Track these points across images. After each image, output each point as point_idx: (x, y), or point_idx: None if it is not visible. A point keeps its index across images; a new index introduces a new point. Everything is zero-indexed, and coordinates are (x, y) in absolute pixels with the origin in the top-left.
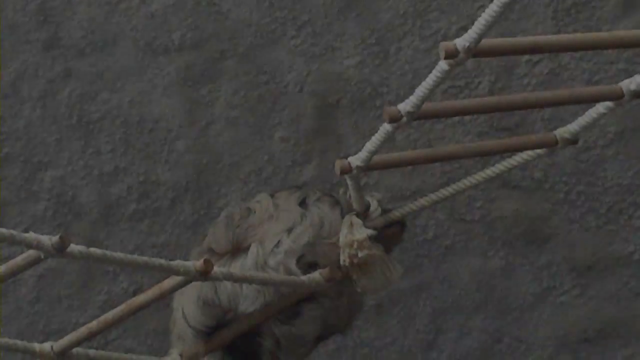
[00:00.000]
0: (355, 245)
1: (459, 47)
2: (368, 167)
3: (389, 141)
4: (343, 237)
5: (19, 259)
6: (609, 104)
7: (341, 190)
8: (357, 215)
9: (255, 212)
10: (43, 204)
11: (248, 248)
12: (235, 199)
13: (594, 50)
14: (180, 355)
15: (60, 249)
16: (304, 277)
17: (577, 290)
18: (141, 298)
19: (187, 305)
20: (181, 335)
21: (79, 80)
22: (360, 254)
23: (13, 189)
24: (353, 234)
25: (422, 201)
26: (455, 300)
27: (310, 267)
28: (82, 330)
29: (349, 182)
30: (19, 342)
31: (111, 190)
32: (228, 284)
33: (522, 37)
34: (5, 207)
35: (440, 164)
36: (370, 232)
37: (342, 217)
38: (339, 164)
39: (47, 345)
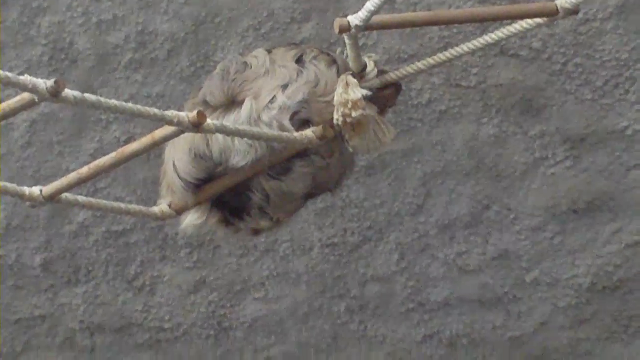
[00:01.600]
0: (349, 105)
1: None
2: (367, 27)
3: (389, 2)
4: (338, 96)
5: (13, 102)
6: None
7: (338, 50)
8: (354, 75)
9: (251, 66)
10: (40, 49)
11: (242, 102)
12: (233, 54)
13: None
14: (169, 206)
15: (55, 93)
16: (296, 134)
17: (569, 162)
18: (133, 146)
19: (179, 157)
20: (171, 187)
21: None
22: (354, 114)
23: (10, 33)
24: (348, 94)
25: (419, 65)
26: (447, 165)
27: (303, 124)
28: (72, 176)
29: (347, 41)
30: (9, 185)
31: (109, 38)
32: (220, 138)
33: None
34: (2, 51)
35: (439, 28)
36: (365, 92)
37: (339, 77)
38: (338, 22)
39: (36, 190)
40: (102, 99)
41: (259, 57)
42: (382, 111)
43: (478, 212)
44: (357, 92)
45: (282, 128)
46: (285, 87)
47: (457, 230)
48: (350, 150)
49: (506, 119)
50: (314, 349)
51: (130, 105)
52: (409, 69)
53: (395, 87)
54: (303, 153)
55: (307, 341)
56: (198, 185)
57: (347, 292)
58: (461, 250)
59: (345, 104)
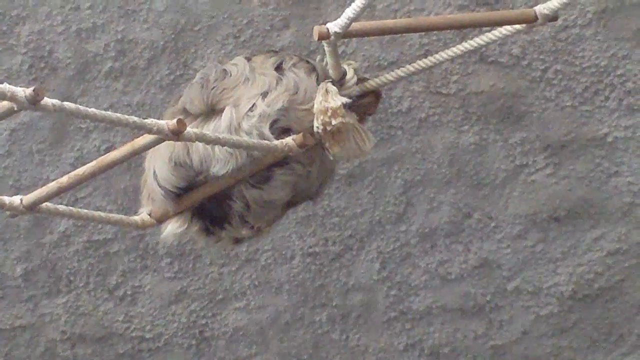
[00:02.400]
0: (329, 113)
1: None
2: (346, 34)
3: (368, 9)
4: (318, 103)
5: None
6: None
7: (318, 57)
8: (333, 82)
9: (231, 74)
10: (19, 57)
11: (222, 110)
12: (212, 61)
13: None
14: (149, 214)
15: (33, 101)
16: (276, 142)
17: (550, 169)
18: (113, 155)
19: (159, 166)
20: (151, 195)
21: None
22: (334, 122)
23: None
24: (328, 101)
25: (399, 72)
26: (427, 173)
27: (283, 132)
28: (52, 185)
29: (326, 48)
30: None
31: (88, 47)
32: (200, 146)
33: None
34: None
35: (419, 35)
36: (345, 100)
37: (318, 84)
38: (317, 29)
39: (16, 199)
40: (81, 107)
41: (238, 64)
42: (361, 119)
43: (459, 220)
44: (337, 100)
45: (262, 136)
46: (264, 94)
47: (438, 239)
48: (331, 158)
49: (486, 127)
50: (295, 358)
51: (109, 113)
52: (389, 76)
53: (375, 94)
54: (283, 161)
55: (288, 351)
56: (178, 194)
57: (328, 301)
58: (442, 259)
59: (324, 112)
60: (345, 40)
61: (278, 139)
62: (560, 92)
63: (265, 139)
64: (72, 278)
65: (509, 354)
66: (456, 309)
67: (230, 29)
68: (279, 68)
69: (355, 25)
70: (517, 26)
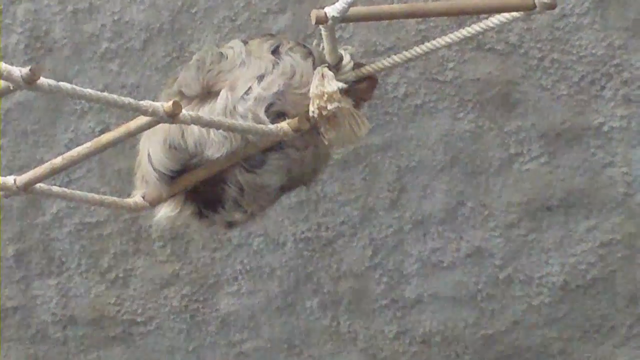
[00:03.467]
0: (325, 97)
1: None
2: (344, 18)
3: None
4: (314, 88)
5: None
6: None
7: (314, 42)
8: (329, 67)
9: (227, 57)
10: (15, 37)
11: (218, 93)
12: (209, 44)
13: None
14: (143, 197)
15: (29, 81)
16: (271, 126)
17: (544, 158)
18: (108, 136)
19: (153, 148)
20: (145, 178)
21: None
22: (329, 107)
23: None
24: (324, 86)
25: (395, 58)
26: (422, 160)
27: (278, 116)
28: (46, 166)
29: (323, 33)
30: None
31: (84, 27)
32: (195, 129)
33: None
34: None
35: (416, 21)
36: (341, 85)
37: (314, 69)
38: (314, 13)
39: (10, 179)
40: (77, 88)
41: (234, 47)
42: (357, 104)
43: (452, 208)
44: (333, 85)
45: (257, 119)
46: (260, 78)
47: (431, 226)
48: (325, 143)
49: (482, 114)
50: (286, 344)
51: (104, 94)
52: (385, 62)
53: (371, 80)
54: (278, 146)
55: (280, 336)
56: (172, 177)
57: (320, 287)
58: (435, 247)
59: (320, 97)
60: (343, 25)
61: (273, 123)
62: (557, 80)
63: (260, 123)
64: (64, 260)
65: (500, 343)
66: (448, 298)
67: (227, 12)
68: (275, 52)
69: (353, 10)
70: (515, 13)
